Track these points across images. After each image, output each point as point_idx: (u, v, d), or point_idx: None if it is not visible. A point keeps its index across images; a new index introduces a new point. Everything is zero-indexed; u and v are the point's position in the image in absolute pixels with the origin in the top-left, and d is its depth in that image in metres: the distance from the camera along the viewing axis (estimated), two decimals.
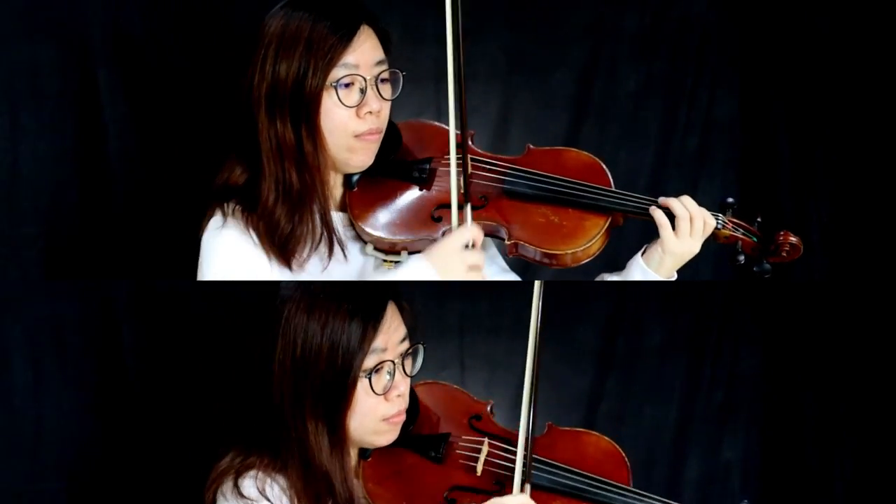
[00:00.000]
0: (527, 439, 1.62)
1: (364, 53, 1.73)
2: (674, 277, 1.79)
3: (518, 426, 1.62)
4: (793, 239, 1.79)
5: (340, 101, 1.71)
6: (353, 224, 1.79)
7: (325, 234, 1.76)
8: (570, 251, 1.76)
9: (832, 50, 2.31)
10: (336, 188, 1.82)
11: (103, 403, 2.08)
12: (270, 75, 1.71)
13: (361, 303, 1.60)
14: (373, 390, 1.61)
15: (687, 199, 1.76)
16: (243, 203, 1.75)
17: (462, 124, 1.74)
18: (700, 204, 1.75)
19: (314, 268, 1.75)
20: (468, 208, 1.74)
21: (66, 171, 2.07)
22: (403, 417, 1.67)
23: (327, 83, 1.71)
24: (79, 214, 2.08)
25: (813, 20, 2.32)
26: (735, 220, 1.79)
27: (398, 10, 2.23)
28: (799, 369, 2.39)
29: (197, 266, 1.74)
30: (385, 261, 1.79)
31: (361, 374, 1.59)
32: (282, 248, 1.73)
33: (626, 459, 1.73)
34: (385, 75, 1.76)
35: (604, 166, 1.82)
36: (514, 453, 1.63)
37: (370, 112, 1.73)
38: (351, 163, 1.77)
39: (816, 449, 2.38)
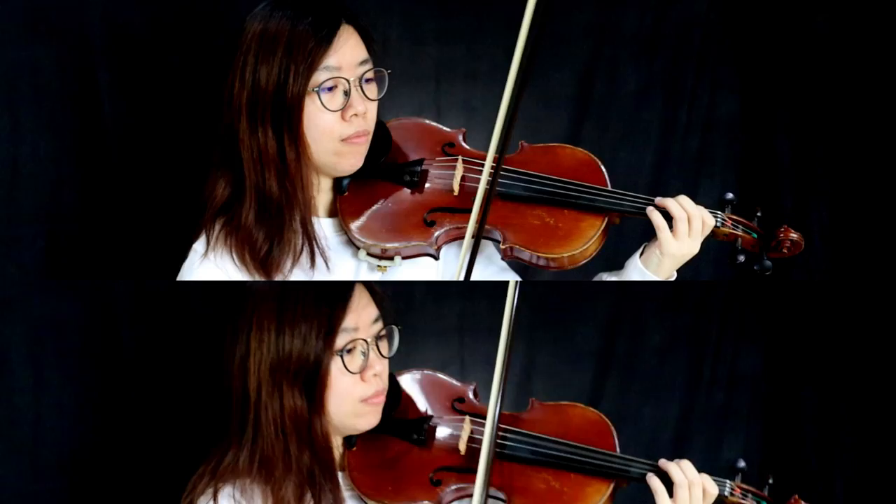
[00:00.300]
0: (496, 409, 1.62)
1: (346, 54, 1.69)
2: (673, 277, 1.78)
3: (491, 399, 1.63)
4: (793, 235, 1.77)
5: (324, 105, 1.68)
6: (344, 229, 1.77)
7: (307, 245, 1.73)
8: (566, 254, 1.74)
9: (832, 50, 2.31)
10: (325, 192, 1.79)
11: (103, 403, 2.08)
12: (251, 82, 1.68)
13: (328, 287, 1.63)
14: (347, 369, 1.61)
15: (684, 199, 1.74)
16: (228, 224, 1.73)
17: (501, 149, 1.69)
18: (701, 204, 1.75)
19: (298, 278, 1.74)
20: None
21: (66, 171, 2.07)
22: (382, 399, 1.67)
23: (309, 88, 1.67)
24: (79, 214, 2.08)
25: (812, 20, 2.31)
26: (734, 217, 1.77)
27: (398, 10, 2.23)
28: (799, 369, 2.39)
29: None
30: (378, 266, 1.77)
31: (335, 353, 1.61)
32: (262, 264, 1.71)
33: (612, 428, 1.73)
34: (369, 75, 1.72)
35: (599, 163, 1.81)
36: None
37: (356, 114, 1.70)
38: (339, 167, 1.74)
39: (816, 449, 2.38)
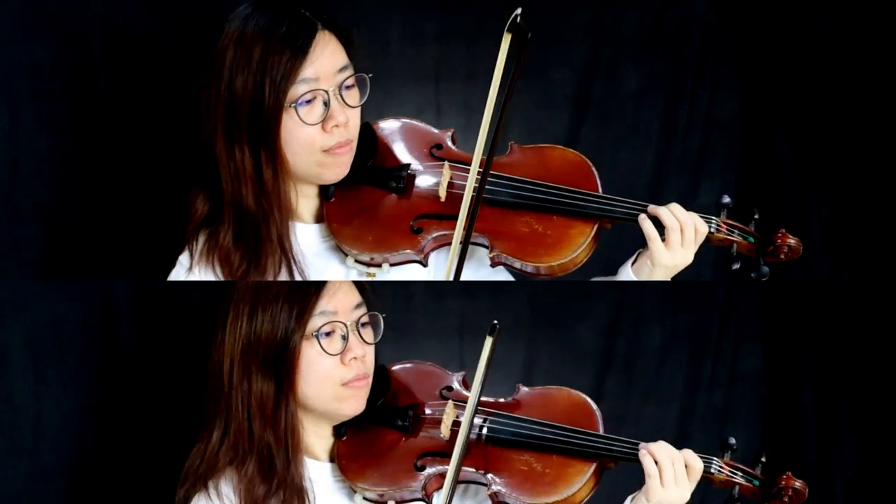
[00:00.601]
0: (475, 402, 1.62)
1: (324, 63, 1.65)
2: (668, 277, 1.75)
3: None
4: (791, 241, 1.73)
5: (302, 119, 1.64)
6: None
7: (285, 262, 1.70)
8: (555, 263, 1.71)
9: (832, 50, 2.31)
10: (311, 198, 1.77)
11: (103, 403, 2.08)
12: (226, 96, 1.64)
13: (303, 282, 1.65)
14: (325, 351, 1.63)
15: (675, 208, 1.70)
16: (210, 239, 1.72)
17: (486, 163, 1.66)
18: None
19: None
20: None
21: (66, 171, 2.07)
22: (365, 384, 1.69)
23: (286, 103, 1.63)
24: (79, 214, 2.08)
25: (812, 20, 2.31)
26: (729, 222, 1.73)
27: (398, 10, 2.23)
28: (799, 369, 2.39)
29: None
30: (367, 273, 1.76)
31: (309, 334, 1.63)
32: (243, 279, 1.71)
33: (597, 410, 1.72)
34: (350, 81, 1.68)
35: (591, 165, 1.77)
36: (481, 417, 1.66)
37: (336, 125, 1.66)
38: (324, 177, 1.71)
39: (816, 449, 2.38)
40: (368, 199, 1.76)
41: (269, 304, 1.63)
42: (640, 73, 2.34)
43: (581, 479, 1.66)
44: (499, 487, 1.67)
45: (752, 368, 2.42)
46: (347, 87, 1.68)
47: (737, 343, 2.41)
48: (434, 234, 1.74)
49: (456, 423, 1.70)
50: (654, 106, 2.35)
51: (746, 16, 2.35)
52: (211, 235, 1.73)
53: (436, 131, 1.82)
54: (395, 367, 1.81)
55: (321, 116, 1.65)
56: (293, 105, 1.63)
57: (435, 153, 1.79)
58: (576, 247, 1.71)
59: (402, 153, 1.79)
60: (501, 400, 1.76)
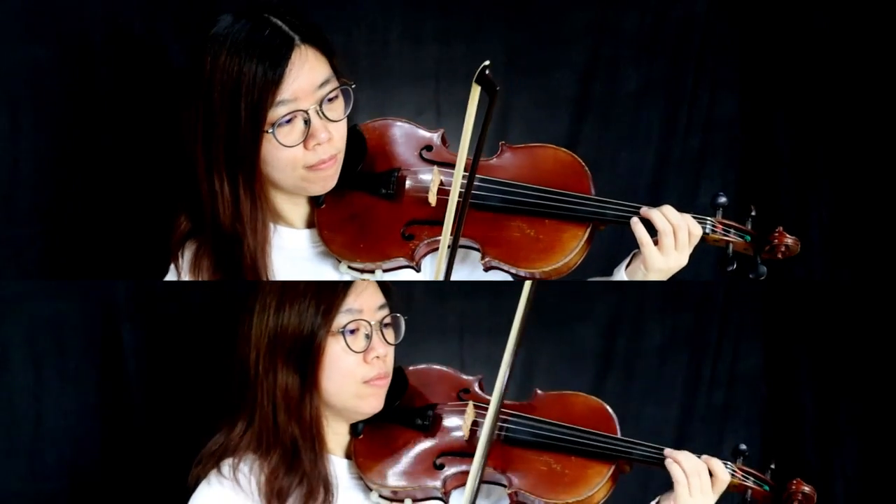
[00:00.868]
0: (501, 395, 1.63)
1: (302, 82, 1.60)
2: (664, 279, 1.74)
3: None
4: (788, 240, 1.71)
5: (280, 143, 1.61)
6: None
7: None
8: (548, 268, 1.70)
9: (832, 50, 2.31)
10: (302, 205, 1.76)
11: (103, 403, 2.08)
12: (204, 117, 1.61)
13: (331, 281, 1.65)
14: (350, 348, 1.63)
15: (668, 210, 1.68)
16: (198, 251, 1.72)
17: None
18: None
19: None
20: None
21: (65, 170, 2.06)
22: (385, 383, 1.70)
23: (264, 127, 1.60)
24: (79, 214, 2.08)
25: (813, 20, 2.31)
26: (725, 222, 1.71)
27: (398, 10, 2.23)
28: (799, 369, 2.39)
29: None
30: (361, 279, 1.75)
31: (335, 330, 1.63)
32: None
33: (614, 415, 1.75)
34: (332, 94, 1.64)
35: (583, 165, 1.75)
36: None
37: (319, 143, 1.63)
38: (310, 190, 1.68)
39: (816, 449, 2.38)
40: (359, 205, 1.74)
41: (297, 299, 1.63)
42: (640, 73, 2.34)
43: (600, 480, 1.67)
44: (518, 487, 1.68)
45: (752, 368, 2.42)
46: (330, 101, 1.64)
47: (737, 343, 2.41)
48: (426, 240, 1.73)
49: (475, 424, 1.71)
50: (654, 106, 2.35)
51: (746, 16, 2.35)
52: (198, 249, 1.74)
53: (426, 133, 1.79)
54: (410, 369, 1.81)
55: (301, 136, 1.62)
56: (271, 131, 1.60)
57: (425, 156, 1.77)
58: (568, 251, 1.70)
59: (392, 156, 1.77)
60: (521, 402, 1.77)
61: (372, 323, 1.67)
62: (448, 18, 2.26)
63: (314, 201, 1.76)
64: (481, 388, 1.79)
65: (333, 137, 1.65)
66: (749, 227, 1.74)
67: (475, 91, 1.56)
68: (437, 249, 1.73)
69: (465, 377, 1.81)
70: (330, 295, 1.64)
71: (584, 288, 2.27)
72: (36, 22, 2.02)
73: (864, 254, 2.32)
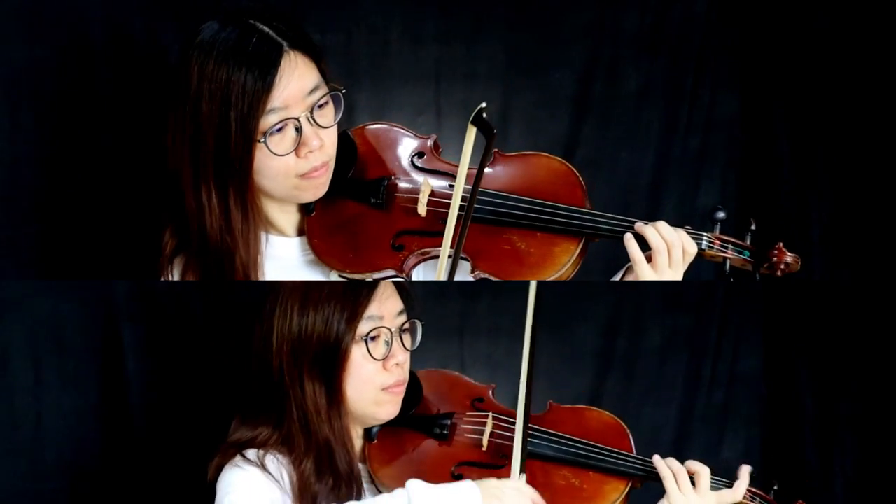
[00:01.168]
0: (526, 409, 1.63)
1: (292, 89, 1.58)
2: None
3: (516, 405, 1.63)
4: (788, 258, 1.68)
5: (272, 151, 1.59)
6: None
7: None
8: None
9: (832, 50, 2.31)
10: (292, 213, 1.75)
11: (103, 403, 2.08)
12: (191, 127, 1.59)
13: (353, 283, 1.62)
14: (370, 355, 1.62)
15: (663, 227, 1.65)
16: (186, 266, 1.70)
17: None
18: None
19: None
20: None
21: (65, 171, 2.06)
22: (403, 389, 1.69)
23: (255, 136, 1.57)
24: (78, 214, 2.08)
25: (813, 20, 2.31)
26: (723, 237, 1.69)
27: (398, 10, 2.23)
28: (799, 369, 2.39)
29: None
30: None
31: (358, 338, 1.61)
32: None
33: (628, 431, 1.74)
34: (322, 101, 1.62)
35: (577, 175, 1.73)
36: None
37: (311, 151, 1.61)
38: (302, 198, 1.67)
39: (816, 449, 2.38)
40: (349, 213, 1.72)
41: (322, 303, 1.60)
42: (640, 73, 2.34)
43: (617, 496, 1.68)
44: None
45: (751, 368, 2.42)
46: (320, 107, 1.62)
47: (737, 343, 2.41)
48: (416, 252, 1.71)
49: (493, 435, 1.71)
50: (654, 106, 2.35)
51: (746, 16, 2.35)
52: (186, 265, 1.71)
53: (418, 139, 1.77)
54: (421, 373, 1.81)
55: (293, 144, 1.61)
56: (262, 140, 1.59)
57: (416, 163, 1.75)
58: (560, 266, 1.68)
59: (382, 163, 1.75)
60: (537, 415, 1.77)
61: (392, 329, 1.65)
62: (448, 18, 2.26)
63: (304, 208, 1.74)
64: (493, 396, 1.79)
65: (325, 144, 1.63)
66: (748, 242, 1.71)
67: (471, 132, 1.54)
68: (426, 260, 1.72)
69: (478, 385, 1.81)
70: (354, 301, 1.61)
71: (583, 288, 2.28)
72: (36, 22, 2.01)
73: (864, 254, 2.32)
